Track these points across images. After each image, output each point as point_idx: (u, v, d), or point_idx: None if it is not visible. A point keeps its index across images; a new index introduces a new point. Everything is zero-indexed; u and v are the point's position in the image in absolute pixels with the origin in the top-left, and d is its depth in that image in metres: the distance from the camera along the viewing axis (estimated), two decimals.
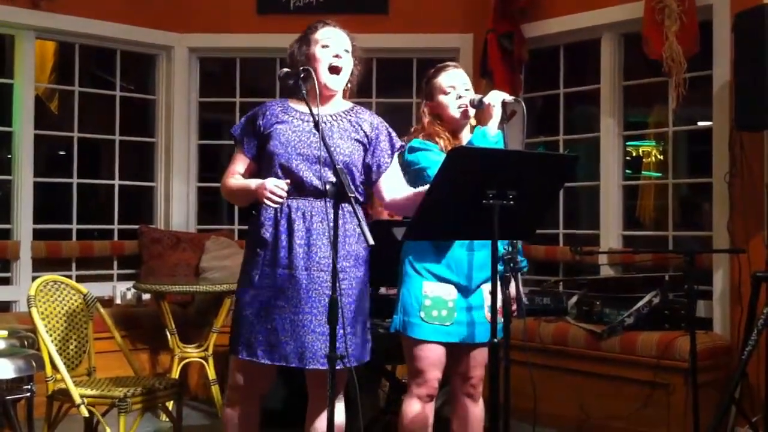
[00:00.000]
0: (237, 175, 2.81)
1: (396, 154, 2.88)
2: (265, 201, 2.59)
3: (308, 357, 2.64)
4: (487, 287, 2.94)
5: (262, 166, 2.77)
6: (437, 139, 2.98)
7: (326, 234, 2.65)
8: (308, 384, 2.85)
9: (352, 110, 2.85)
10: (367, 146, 2.82)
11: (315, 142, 2.67)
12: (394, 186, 2.87)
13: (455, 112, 3.00)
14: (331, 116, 2.79)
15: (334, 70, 2.75)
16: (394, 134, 2.90)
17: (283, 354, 2.65)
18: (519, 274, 3.01)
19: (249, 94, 5.64)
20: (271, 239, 2.68)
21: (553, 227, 5.17)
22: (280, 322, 2.65)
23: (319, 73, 2.72)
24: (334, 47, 2.76)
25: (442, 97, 3.02)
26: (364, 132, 2.82)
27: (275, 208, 2.67)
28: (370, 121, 2.86)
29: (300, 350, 2.64)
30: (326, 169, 2.64)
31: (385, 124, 2.90)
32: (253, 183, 2.68)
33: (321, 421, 2.81)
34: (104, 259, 5.39)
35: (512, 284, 2.83)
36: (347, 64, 2.79)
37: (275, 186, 2.58)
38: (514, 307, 2.94)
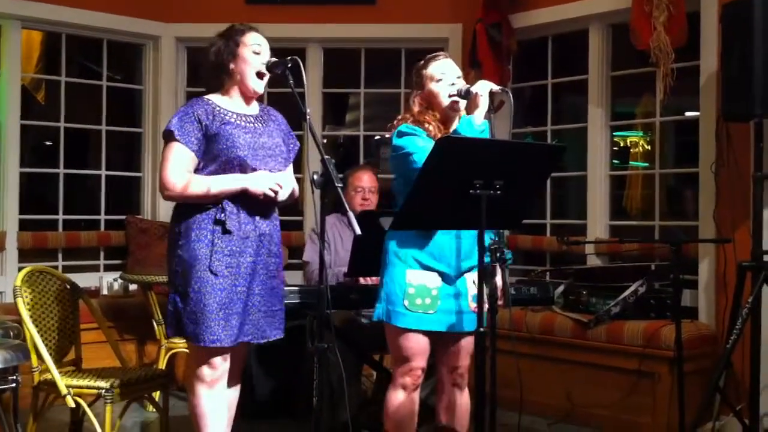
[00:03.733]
0: (190, 174, 2.84)
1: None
2: (263, 196, 2.82)
3: (258, 334, 2.90)
4: (470, 276, 2.94)
5: (209, 164, 2.84)
6: (426, 125, 2.94)
7: (272, 223, 2.93)
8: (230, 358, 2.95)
9: (265, 110, 3.04)
10: (286, 147, 3.03)
11: (264, 141, 2.89)
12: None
13: (446, 100, 2.96)
14: (255, 117, 2.96)
15: (261, 75, 2.92)
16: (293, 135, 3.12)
17: (243, 333, 2.85)
18: (505, 264, 3.03)
19: None
20: (236, 231, 2.81)
21: (541, 217, 5.18)
22: (240, 305, 2.83)
23: (247, 76, 2.90)
24: (263, 55, 2.92)
25: (433, 85, 2.99)
26: (282, 129, 3.03)
27: (235, 203, 2.83)
28: (282, 118, 3.08)
29: (255, 329, 2.88)
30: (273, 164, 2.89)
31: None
32: (239, 184, 2.80)
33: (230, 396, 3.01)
34: (91, 249, 5.37)
35: (498, 274, 2.84)
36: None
37: (273, 182, 2.83)
38: (502, 299, 2.95)
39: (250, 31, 2.94)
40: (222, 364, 2.89)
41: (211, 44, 2.96)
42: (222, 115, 2.86)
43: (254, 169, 2.84)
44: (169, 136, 2.84)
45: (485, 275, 2.64)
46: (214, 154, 2.83)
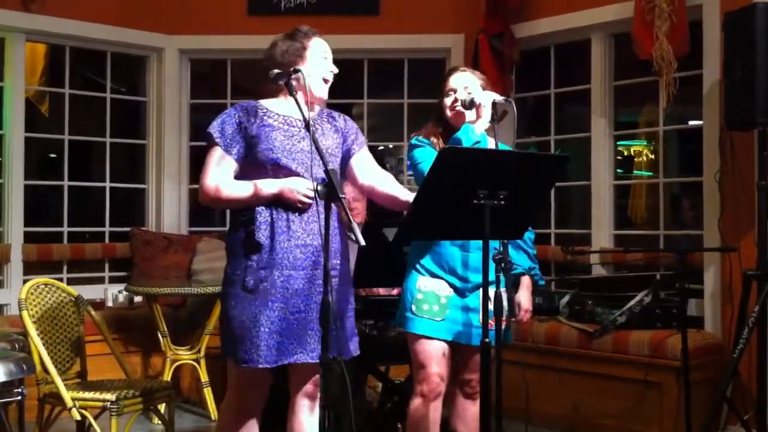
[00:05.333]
0: (226, 179, 2.72)
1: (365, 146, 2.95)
2: (300, 203, 2.65)
3: (310, 353, 2.65)
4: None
5: (248, 168, 2.72)
6: (432, 138, 3.06)
7: (320, 234, 2.65)
8: (292, 383, 2.82)
9: (324, 114, 2.91)
10: (343, 140, 2.90)
11: (305, 147, 2.71)
12: (366, 169, 2.92)
13: (448, 112, 3.06)
14: (312, 120, 2.78)
15: (326, 81, 2.82)
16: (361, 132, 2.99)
17: (286, 355, 2.64)
18: (520, 277, 3.05)
19: (240, 96, 5.63)
20: (268, 242, 2.65)
21: (545, 227, 5.17)
22: (279, 324, 2.63)
23: (312, 81, 2.77)
24: (330, 61, 2.84)
25: (444, 99, 3.09)
26: (341, 127, 2.90)
27: (270, 211, 2.67)
28: (344, 118, 2.95)
29: (299, 348, 2.65)
30: (317, 169, 2.65)
31: (354, 123, 2.99)
32: (274, 188, 2.65)
33: (309, 419, 2.79)
34: (96, 261, 5.37)
35: (522, 290, 2.88)
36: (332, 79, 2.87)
37: (308, 189, 2.64)
38: (521, 314, 2.99)
39: (316, 36, 2.84)
40: (255, 386, 2.77)
41: (273, 44, 2.82)
42: (266, 118, 2.73)
43: (290, 174, 2.68)
44: (208, 139, 2.75)
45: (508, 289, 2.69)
46: (251, 157, 2.70)
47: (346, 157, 2.91)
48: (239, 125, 2.73)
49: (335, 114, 2.94)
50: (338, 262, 2.78)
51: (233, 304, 2.67)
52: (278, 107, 2.77)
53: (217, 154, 2.74)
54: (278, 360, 2.64)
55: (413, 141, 3.09)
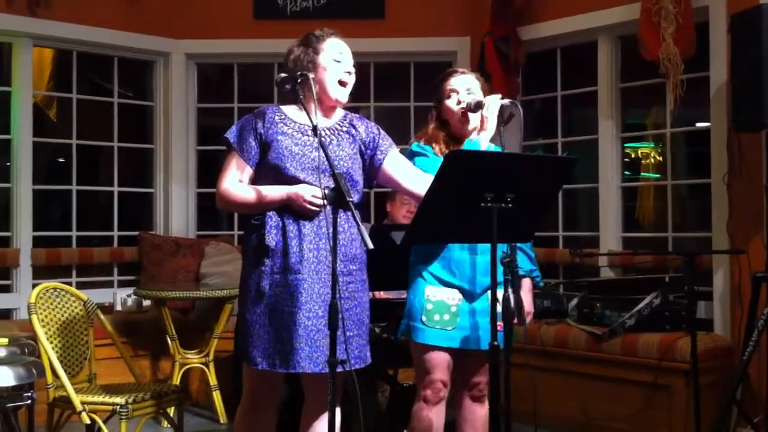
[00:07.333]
0: (239, 183, 2.74)
1: (395, 147, 2.88)
2: (305, 209, 2.63)
3: (324, 361, 2.58)
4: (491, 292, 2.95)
5: (262, 174, 2.73)
6: (434, 144, 3.01)
7: (328, 239, 2.65)
8: (306, 388, 2.83)
9: (345, 118, 2.86)
10: (365, 147, 2.83)
11: (316, 156, 2.67)
12: (406, 172, 2.85)
13: (455, 115, 3.03)
14: (329, 129, 2.78)
15: (343, 84, 2.78)
16: (386, 135, 2.92)
17: (297, 361, 2.61)
18: (521, 279, 3.04)
19: (247, 100, 5.65)
20: (280, 246, 2.65)
21: (553, 229, 5.17)
22: (294, 328, 2.61)
23: (328, 85, 2.75)
24: (345, 62, 2.79)
25: (446, 101, 3.06)
26: (361, 136, 2.83)
27: (280, 216, 2.66)
28: (365, 125, 2.88)
29: (315, 355, 2.61)
30: (325, 174, 2.65)
31: (379, 126, 2.92)
32: (282, 193, 2.65)
33: (320, 425, 2.80)
34: (104, 265, 5.39)
35: (523, 291, 2.86)
36: (353, 79, 2.81)
37: (313, 196, 2.61)
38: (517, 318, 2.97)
39: (330, 37, 2.80)
40: (270, 387, 2.78)
41: (289, 52, 2.81)
42: (281, 125, 2.72)
43: (298, 182, 2.66)
44: (226, 145, 2.76)
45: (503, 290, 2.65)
46: (265, 164, 2.71)
47: (374, 163, 2.84)
48: (255, 131, 2.72)
49: (357, 121, 2.86)
50: (356, 267, 2.76)
51: (248, 307, 2.68)
52: (297, 115, 2.75)
53: (232, 159, 2.75)
54: (294, 368, 2.62)
55: (415, 147, 3.02)
